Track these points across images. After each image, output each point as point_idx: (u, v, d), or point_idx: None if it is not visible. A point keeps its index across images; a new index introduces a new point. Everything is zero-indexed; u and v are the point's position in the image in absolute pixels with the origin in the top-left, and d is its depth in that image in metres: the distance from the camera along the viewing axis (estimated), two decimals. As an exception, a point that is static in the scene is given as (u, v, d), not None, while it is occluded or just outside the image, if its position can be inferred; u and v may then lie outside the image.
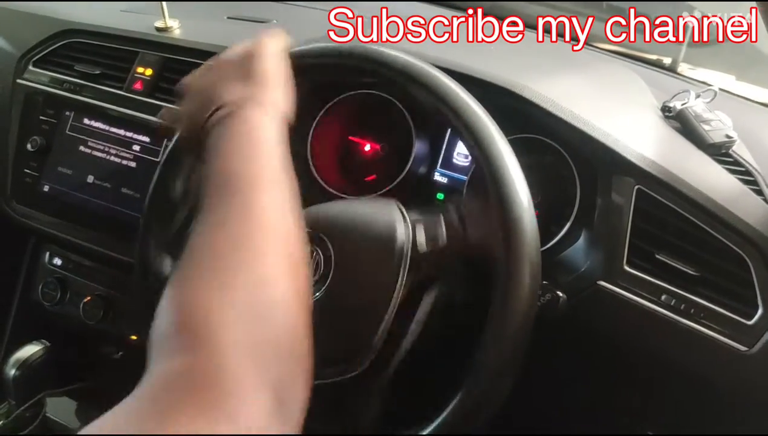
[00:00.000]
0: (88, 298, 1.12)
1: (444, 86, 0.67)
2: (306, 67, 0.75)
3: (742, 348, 0.71)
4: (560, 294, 0.73)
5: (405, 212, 0.71)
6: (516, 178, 0.64)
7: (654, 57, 1.12)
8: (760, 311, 0.71)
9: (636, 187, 0.76)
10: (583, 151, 0.80)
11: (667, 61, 1.12)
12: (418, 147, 0.97)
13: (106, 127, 1.07)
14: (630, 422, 0.83)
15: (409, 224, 0.70)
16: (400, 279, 0.67)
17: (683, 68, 1.12)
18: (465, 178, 0.97)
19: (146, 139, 1.04)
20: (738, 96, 0.97)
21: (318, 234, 0.71)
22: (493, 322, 0.61)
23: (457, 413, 0.63)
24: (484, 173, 0.65)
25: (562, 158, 0.85)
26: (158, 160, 1.03)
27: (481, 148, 0.65)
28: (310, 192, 0.97)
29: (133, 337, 1.10)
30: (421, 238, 0.69)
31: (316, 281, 0.69)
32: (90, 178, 1.06)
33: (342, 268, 0.68)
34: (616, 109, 0.86)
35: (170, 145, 0.80)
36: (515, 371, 0.62)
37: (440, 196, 1.01)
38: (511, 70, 0.85)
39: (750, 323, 0.71)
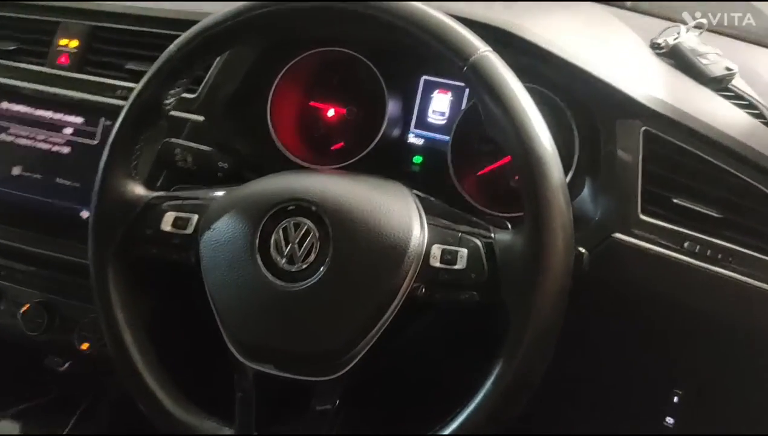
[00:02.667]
0: (26, 306, 0.99)
1: (453, 31, 0.59)
2: (259, 21, 0.65)
3: (774, 290, 0.66)
4: (583, 250, 0.66)
5: (421, 210, 0.63)
6: (541, 130, 0.58)
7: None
8: (790, 251, 0.66)
9: (643, 129, 0.71)
10: (581, 96, 0.74)
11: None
12: (392, 107, 0.89)
13: (30, 110, 0.94)
14: (656, 379, 0.78)
15: (426, 229, 0.61)
16: (402, 290, 0.59)
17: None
18: (443, 137, 0.90)
19: (79, 120, 0.92)
20: (721, 33, 0.93)
21: (312, 207, 0.61)
22: (530, 287, 0.55)
23: (493, 395, 0.56)
24: (503, 126, 0.57)
25: (556, 108, 0.78)
26: (96, 142, 0.91)
27: (501, 100, 0.57)
28: (274, 163, 0.88)
29: (85, 346, 0.97)
30: (437, 251, 0.60)
31: (309, 265, 0.60)
32: (16, 170, 0.93)
33: (340, 258, 0.60)
34: (607, 50, 0.80)
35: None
36: (554, 340, 0.56)
37: (417, 159, 0.93)
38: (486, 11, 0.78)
39: (780, 263, 0.66)
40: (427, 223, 0.62)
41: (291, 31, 0.77)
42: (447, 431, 0.57)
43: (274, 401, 0.63)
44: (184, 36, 0.66)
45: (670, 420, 0.78)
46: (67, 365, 1.07)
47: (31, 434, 1.07)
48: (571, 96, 0.76)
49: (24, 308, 0.98)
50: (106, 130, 0.90)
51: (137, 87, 0.67)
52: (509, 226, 0.65)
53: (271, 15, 0.64)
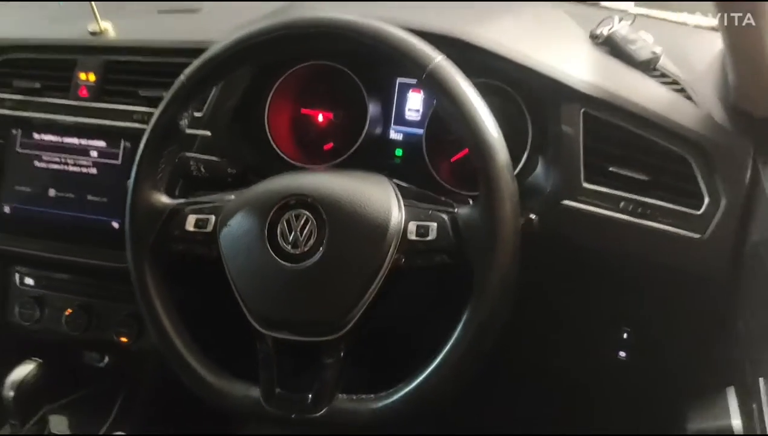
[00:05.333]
0: (69, 311, 1.12)
1: (411, 44, 0.72)
2: (255, 48, 0.77)
3: (696, 236, 0.79)
4: (532, 216, 0.79)
5: (399, 195, 0.76)
6: (488, 122, 0.70)
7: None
8: (706, 201, 0.80)
9: (582, 110, 0.84)
10: (530, 87, 0.87)
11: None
12: (372, 109, 1.01)
13: (59, 139, 1.06)
14: (607, 320, 0.92)
15: (403, 210, 0.74)
16: (387, 261, 0.72)
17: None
18: (419, 131, 1.02)
19: (102, 143, 1.05)
20: (654, 18, 1.05)
21: (310, 200, 0.74)
22: (488, 246, 0.68)
23: (466, 334, 0.69)
24: (459, 121, 0.70)
25: (509, 97, 0.91)
26: (119, 162, 1.04)
27: (456, 100, 0.70)
28: (275, 167, 1.00)
29: (124, 339, 1.11)
30: (412, 227, 0.73)
31: (310, 248, 0.73)
32: (51, 192, 1.06)
33: (335, 239, 0.73)
34: (551, 44, 0.92)
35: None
36: (513, 286, 0.69)
37: (399, 152, 1.06)
38: (441, 20, 0.91)
39: (699, 212, 0.80)
40: (404, 205, 0.75)
41: (283, 53, 0.89)
42: (432, 366, 0.70)
43: (290, 364, 0.77)
44: (195, 65, 0.79)
45: (622, 354, 0.93)
46: (106, 360, 1.21)
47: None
48: (522, 88, 0.89)
49: (67, 312, 1.12)
50: (128, 151, 1.03)
51: (156, 112, 0.80)
52: (470, 202, 0.78)
53: (270, 41, 0.77)
